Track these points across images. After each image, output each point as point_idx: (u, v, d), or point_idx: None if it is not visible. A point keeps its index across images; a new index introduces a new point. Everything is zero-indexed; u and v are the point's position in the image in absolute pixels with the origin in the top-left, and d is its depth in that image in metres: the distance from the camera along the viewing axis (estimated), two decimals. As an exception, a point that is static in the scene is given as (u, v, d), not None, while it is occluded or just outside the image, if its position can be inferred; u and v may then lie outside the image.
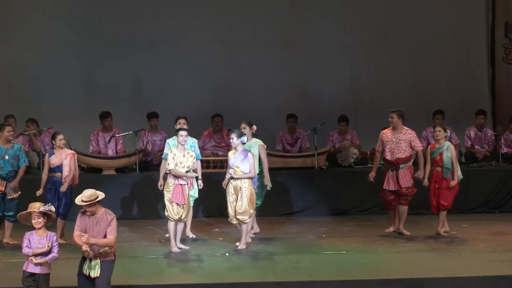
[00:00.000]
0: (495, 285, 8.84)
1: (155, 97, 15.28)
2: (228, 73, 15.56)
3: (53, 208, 7.93)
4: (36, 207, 7.83)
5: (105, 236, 7.74)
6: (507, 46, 15.94)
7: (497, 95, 15.96)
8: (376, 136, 11.67)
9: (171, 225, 10.45)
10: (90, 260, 7.76)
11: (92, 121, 14.26)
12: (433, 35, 15.75)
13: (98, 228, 7.76)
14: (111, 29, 15.37)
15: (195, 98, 15.31)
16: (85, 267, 7.78)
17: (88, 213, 7.77)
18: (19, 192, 10.92)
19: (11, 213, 10.86)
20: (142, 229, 12.05)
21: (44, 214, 7.82)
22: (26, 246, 7.77)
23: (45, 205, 7.90)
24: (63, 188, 10.87)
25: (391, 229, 11.59)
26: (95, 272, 7.77)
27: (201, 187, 10.97)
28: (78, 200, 7.77)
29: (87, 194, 7.74)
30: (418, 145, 11.38)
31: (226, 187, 10.51)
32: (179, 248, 10.48)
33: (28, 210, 7.84)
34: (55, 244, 7.81)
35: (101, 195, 7.79)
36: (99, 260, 7.77)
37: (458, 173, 11.26)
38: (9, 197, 10.86)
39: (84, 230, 7.75)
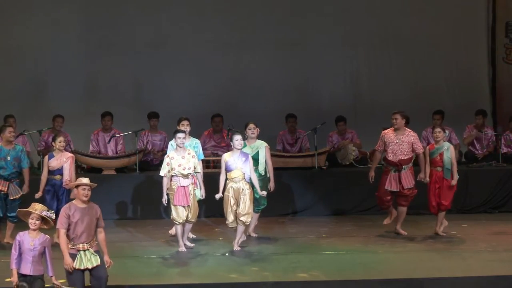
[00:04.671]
0: (495, 285, 8.82)
1: (155, 97, 15.28)
2: (228, 73, 15.56)
3: (53, 216, 7.93)
4: (37, 209, 7.85)
5: (96, 226, 8.03)
6: (507, 46, 15.92)
7: (498, 95, 15.95)
8: (376, 136, 11.65)
9: (178, 227, 10.41)
10: (84, 253, 7.86)
11: (92, 121, 14.28)
12: (433, 35, 15.74)
13: (90, 216, 7.94)
14: (112, 30, 15.37)
15: (195, 98, 15.31)
16: (79, 261, 7.84)
17: (85, 198, 7.94)
18: (21, 193, 10.91)
19: (13, 214, 10.80)
20: (142, 229, 12.04)
21: (42, 218, 7.85)
22: (16, 248, 7.78)
23: (48, 210, 7.92)
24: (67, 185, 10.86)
25: (388, 220, 11.52)
26: (94, 261, 7.87)
27: (203, 198, 10.85)
28: (79, 180, 8.02)
29: (87, 179, 8.04)
30: (420, 148, 11.36)
31: (225, 191, 10.47)
32: (186, 247, 10.47)
33: (29, 209, 7.87)
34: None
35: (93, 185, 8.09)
36: (92, 249, 7.92)
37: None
38: (11, 198, 10.85)
39: (74, 222, 7.86)
